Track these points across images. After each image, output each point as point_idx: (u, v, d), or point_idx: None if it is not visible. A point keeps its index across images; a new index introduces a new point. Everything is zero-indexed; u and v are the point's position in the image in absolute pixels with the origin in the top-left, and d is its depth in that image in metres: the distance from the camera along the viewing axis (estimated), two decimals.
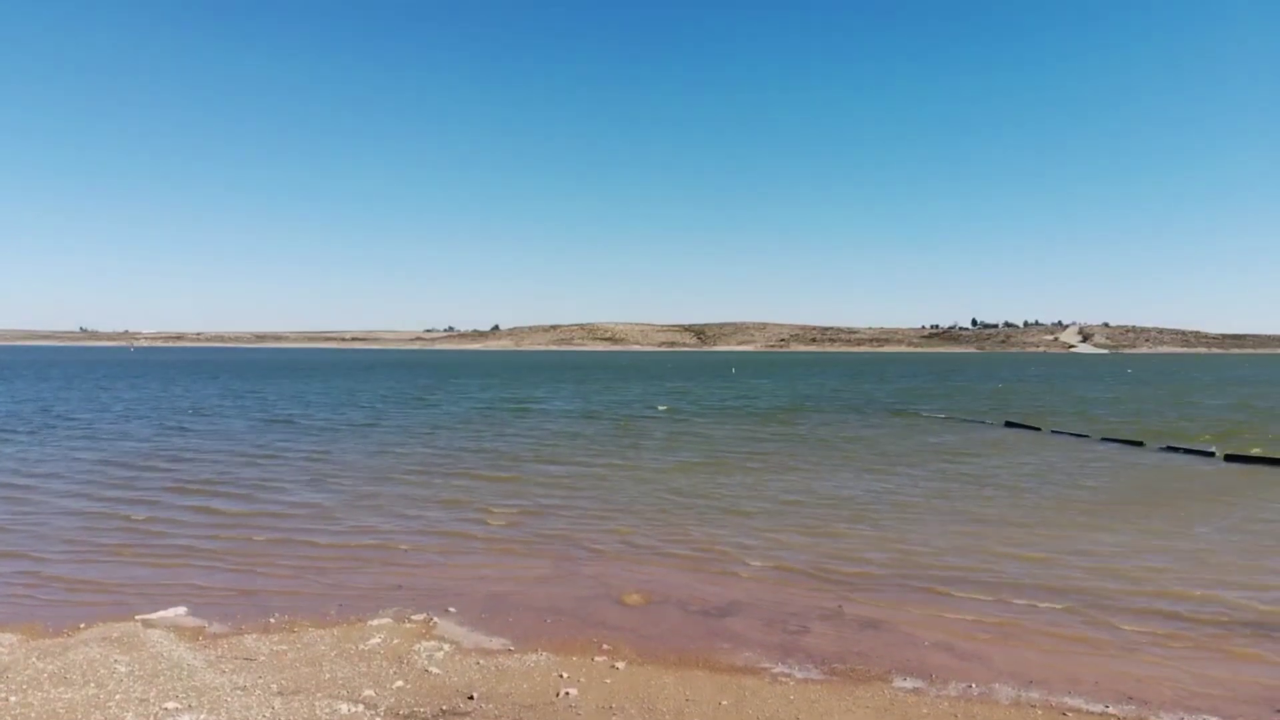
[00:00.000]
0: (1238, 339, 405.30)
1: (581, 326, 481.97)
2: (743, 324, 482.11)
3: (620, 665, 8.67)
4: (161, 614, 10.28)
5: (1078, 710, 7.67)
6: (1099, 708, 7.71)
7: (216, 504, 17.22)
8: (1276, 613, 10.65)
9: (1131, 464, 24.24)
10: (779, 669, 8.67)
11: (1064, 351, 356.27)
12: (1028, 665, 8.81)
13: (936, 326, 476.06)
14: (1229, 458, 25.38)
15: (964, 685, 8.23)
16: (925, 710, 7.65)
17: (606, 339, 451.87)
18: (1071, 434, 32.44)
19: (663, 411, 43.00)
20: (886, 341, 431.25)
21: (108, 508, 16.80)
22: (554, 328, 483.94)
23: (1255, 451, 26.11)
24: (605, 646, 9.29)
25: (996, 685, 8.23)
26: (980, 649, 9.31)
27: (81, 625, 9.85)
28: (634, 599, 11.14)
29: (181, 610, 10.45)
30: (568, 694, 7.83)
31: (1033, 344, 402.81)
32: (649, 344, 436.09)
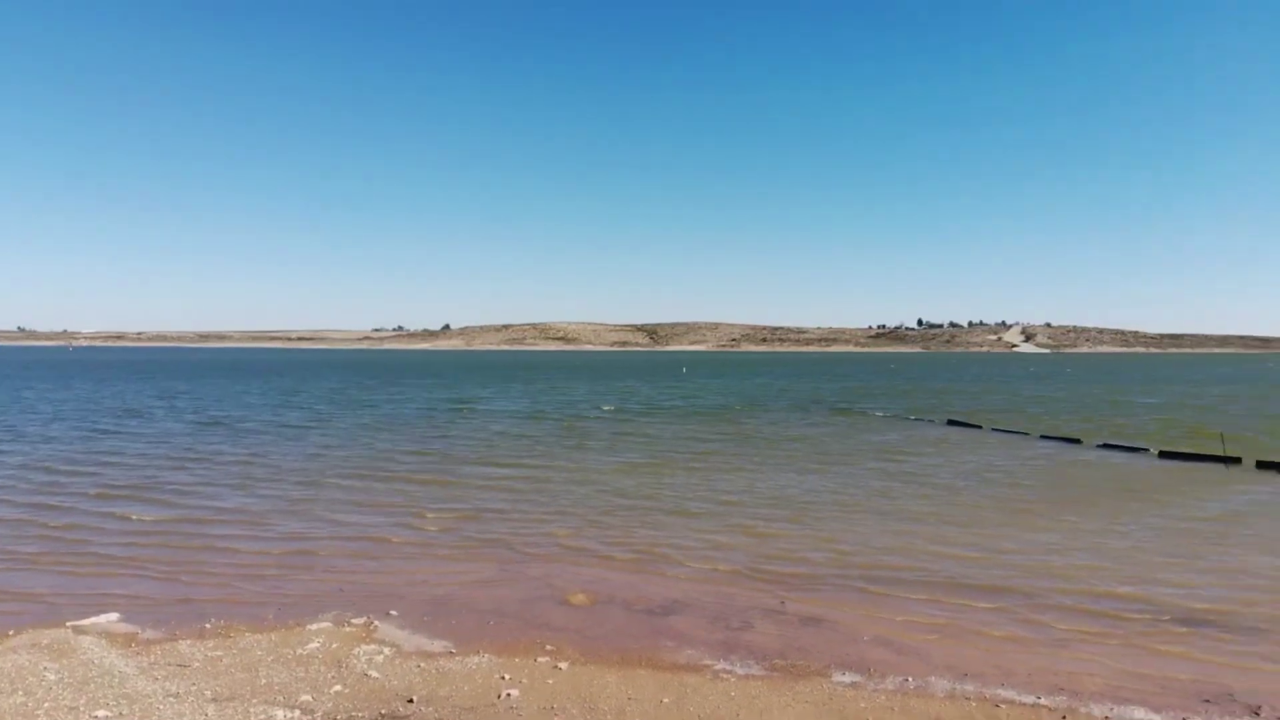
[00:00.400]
0: (1175, 339, 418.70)
1: (534, 326, 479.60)
2: (695, 324, 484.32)
3: (563, 665, 8.66)
4: (93, 620, 9.99)
5: (1010, 701, 7.87)
6: (1031, 699, 7.93)
7: (144, 510, 16.75)
8: (1204, 610, 11.03)
9: (1069, 461, 24.95)
10: (721, 666, 8.75)
11: (1007, 351, 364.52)
12: (963, 659, 9.02)
13: (883, 326, 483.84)
14: (1163, 454, 26.28)
15: (901, 679, 8.39)
16: (863, 704, 7.79)
17: (559, 339, 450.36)
18: (1012, 432, 33.28)
19: (608, 411, 43.02)
20: (834, 341, 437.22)
21: (28, 514, 16.25)
22: (506, 327, 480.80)
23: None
24: (549, 647, 9.27)
25: (933, 678, 8.41)
26: (918, 644, 9.50)
27: (10, 632, 9.53)
28: (578, 599, 11.14)
29: (114, 617, 10.16)
30: (509, 695, 7.80)
31: (977, 344, 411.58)
32: (601, 344, 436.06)
